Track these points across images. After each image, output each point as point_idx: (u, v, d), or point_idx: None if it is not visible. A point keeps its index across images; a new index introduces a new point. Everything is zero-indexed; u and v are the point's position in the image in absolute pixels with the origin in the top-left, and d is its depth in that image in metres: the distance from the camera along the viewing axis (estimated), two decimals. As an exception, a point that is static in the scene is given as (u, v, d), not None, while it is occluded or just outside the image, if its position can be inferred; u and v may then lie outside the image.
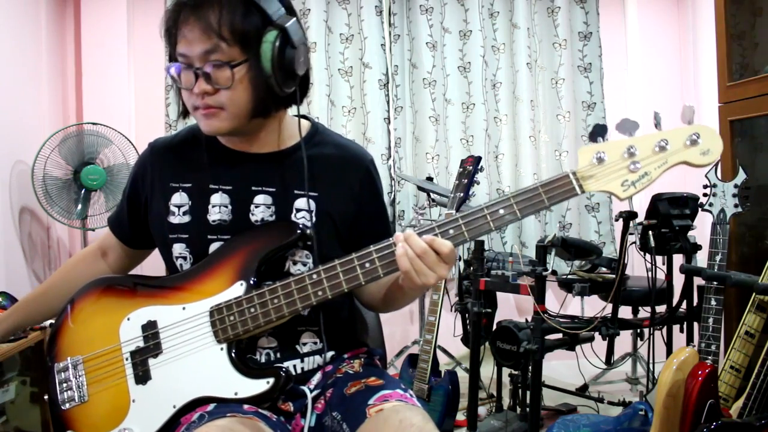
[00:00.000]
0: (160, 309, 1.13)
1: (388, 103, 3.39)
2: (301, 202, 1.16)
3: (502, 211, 0.98)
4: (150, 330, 1.12)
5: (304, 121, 1.23)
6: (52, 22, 3.02)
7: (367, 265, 1.01)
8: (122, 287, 1.18)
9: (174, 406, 1.08)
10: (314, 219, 1.15)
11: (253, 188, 1.16)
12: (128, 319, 1.14)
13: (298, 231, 1.12)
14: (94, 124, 2.71)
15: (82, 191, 2.69)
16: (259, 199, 1.16)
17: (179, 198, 1.18)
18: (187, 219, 1.17)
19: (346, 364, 1.22)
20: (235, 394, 1.06)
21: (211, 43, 1.03)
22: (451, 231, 0.99)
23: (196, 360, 1.09)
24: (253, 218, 1.16)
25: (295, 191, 1.17)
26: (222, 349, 1.08)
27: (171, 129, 3.22)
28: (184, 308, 1.11)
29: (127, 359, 1.12)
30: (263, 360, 1.14)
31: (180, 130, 1.27)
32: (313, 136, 1.22)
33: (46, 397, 1.17)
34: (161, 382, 1.10)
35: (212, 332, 1.08)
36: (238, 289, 1.09)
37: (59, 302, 1.23)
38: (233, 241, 1.14)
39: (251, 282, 1.09)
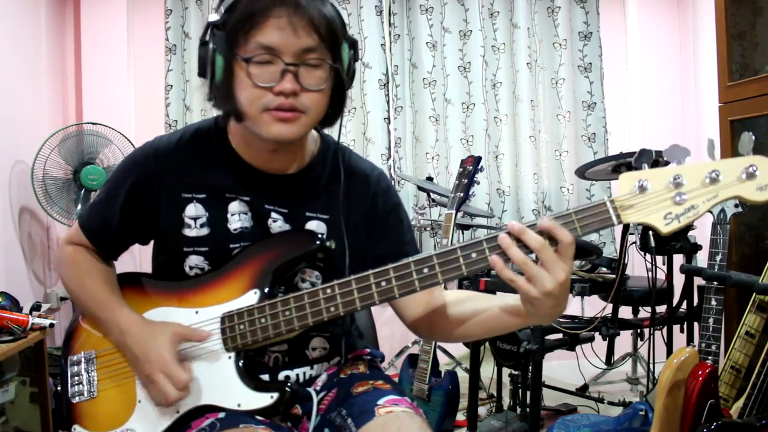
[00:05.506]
0: (174, 311, 1.11)
1: (388, 103, 3.39)
2: (312, 225, 1.14)
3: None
4: None
5: (316, 134, 1.19)
6: (52, 22, 3.02)
7: (384, 283, 0.96)
8: (141, 285, 1.16)
9: (177, 412, 1.07)
10: None
11: (266, 206, 1.12)
12: None
13: (317, 242, 1.08)
14: (93, 124, 2.71)
15: (82, 191, 2.69)
16: (274, 215, 1.13)
17: (194, 210, 1.11)
18: (205, 231, 1.11)
19: (350, 365, 1.22)
20: (238, 405, 1.04)
21: (313, 41, 0.97)
22: (474, 255, 0.90)
23: (203, 366, 1.07)
24: (272, 230, 1.13)
25: (307, 213, 1.14)
26: (230, 357, 1.06)
27: (171, 129, 3.22)
28: (197, 312, 1.09)
29: None
30: (271, 364, 1.12)
31: (176, 132, 1.16)
32: (326, 154, 1.17)
33: (59, 388, 1.15)
34: None
35: (221, 339, 1.06)
36: (251, 297, 1.06)
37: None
38: (252, 248, 1.11)
39: (265, 291, 1.06)
